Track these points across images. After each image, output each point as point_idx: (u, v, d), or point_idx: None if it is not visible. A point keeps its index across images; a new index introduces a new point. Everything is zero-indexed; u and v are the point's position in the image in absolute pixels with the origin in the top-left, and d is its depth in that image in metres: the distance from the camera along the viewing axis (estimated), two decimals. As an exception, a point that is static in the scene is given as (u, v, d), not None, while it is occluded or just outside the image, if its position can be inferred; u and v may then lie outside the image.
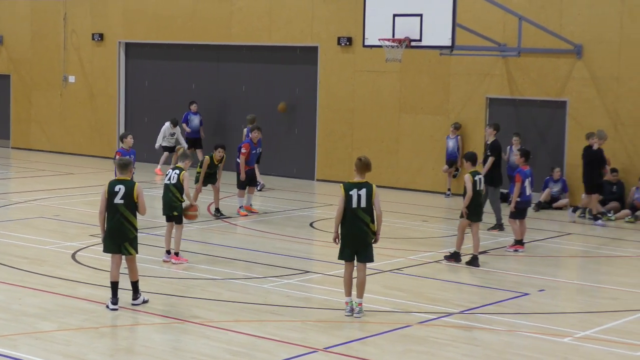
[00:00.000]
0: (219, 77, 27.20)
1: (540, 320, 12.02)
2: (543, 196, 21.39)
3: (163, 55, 28.33)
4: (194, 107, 26.01)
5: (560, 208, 21.32)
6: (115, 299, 12.00)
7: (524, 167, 16.32)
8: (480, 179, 15.30)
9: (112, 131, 29.25)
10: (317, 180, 25.35)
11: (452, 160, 22.92)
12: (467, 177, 15.21)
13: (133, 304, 12.14)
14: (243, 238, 17.55)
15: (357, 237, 11.82)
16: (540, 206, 21.21)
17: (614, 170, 20.80)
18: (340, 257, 12.01)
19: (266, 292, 13.16)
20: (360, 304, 11.93)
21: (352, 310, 11.94)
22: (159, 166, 25.68)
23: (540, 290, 13.64)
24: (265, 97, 26.33)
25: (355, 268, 12.00)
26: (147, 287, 12.90)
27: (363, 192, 11.75)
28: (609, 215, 20.21)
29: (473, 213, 15.25)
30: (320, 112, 25.20)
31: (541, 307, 12.75)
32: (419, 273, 14.66)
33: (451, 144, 22.81)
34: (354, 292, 12.01)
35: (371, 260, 11.99)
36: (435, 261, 15.50)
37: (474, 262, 15.17)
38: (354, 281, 12.00)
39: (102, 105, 29.39)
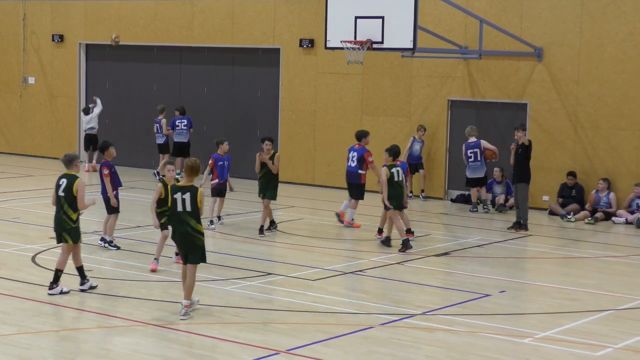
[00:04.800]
0: (180, 79, 27.08)
1: (501, 321, 12.08)
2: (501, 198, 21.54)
3: (124, 57, 28.15)
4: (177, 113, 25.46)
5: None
6: (54, 285, 12.67)
7: (221, 155, 18.20)
8: (397, 171, 16.36)
9: (72, 133, 29.03)
10: (280, 182, 25.23)
11: (417, 164, 22.83)
12: (383, 170, 16.36)
13: (81, 289, 12.73)
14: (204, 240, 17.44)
15: (183, 239, 11.89)
16: (496, 207, 21.30)
17: (571, 174, 20.98)
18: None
19: (228, 294, 13.12)
20: (186, 306, 11.75)
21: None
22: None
23: (502, 292, 13.71)
24: (227, 99, 26.26)
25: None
26: (107, 290, 12.90)
27: (187, 196, 11.79)
28: (569, 217, 20.37)
29: (396, 201, 16.39)
30: (283, 114, 25.17)
31: (502, 308, 12.81)
32: (381, 275, 14.68)
33: (418, 146, 22.81)
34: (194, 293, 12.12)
35: (199, 261, 11.97)
36: (398, 263, 15.54)
37: (406, 244, 16.40)
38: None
39: (63, 106, 29.15)
